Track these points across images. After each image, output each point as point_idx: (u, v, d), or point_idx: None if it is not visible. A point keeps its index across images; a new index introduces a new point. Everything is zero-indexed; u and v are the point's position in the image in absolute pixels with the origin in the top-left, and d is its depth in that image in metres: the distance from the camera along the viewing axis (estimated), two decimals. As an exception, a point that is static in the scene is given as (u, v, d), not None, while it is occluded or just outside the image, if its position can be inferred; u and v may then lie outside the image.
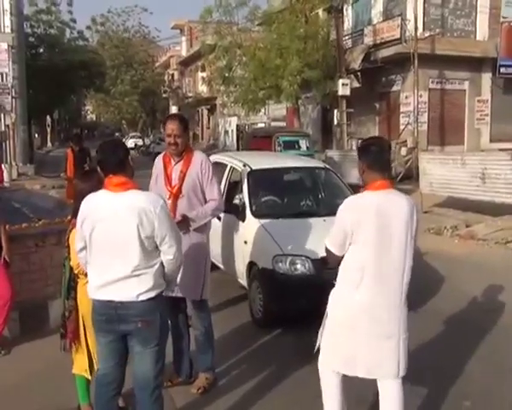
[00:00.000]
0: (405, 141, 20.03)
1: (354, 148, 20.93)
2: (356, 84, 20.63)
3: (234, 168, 7.12)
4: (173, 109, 55.77)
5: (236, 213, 6.41)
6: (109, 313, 3.20)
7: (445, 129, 21.85)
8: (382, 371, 3.25)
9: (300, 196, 7.48)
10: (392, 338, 3.21)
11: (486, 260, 8.61)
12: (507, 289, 7.06)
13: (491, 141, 22.31)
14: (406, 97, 20.89)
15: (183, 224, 4.10)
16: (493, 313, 6.26)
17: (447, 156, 13.74)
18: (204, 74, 35.56)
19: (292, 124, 26.00)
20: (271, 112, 31.42)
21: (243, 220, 6.32)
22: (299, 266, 5.61)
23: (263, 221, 6.12)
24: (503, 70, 21.57)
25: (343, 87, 18.54)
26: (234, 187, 7.15)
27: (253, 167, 6.82)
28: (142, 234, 3.13)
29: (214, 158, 7.44)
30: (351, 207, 3.28)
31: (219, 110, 41.27)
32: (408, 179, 17.00)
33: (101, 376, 3.39)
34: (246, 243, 6.08)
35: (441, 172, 12.85)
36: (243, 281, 6.31)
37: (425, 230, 10.90)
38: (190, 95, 48.62)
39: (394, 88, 22.07)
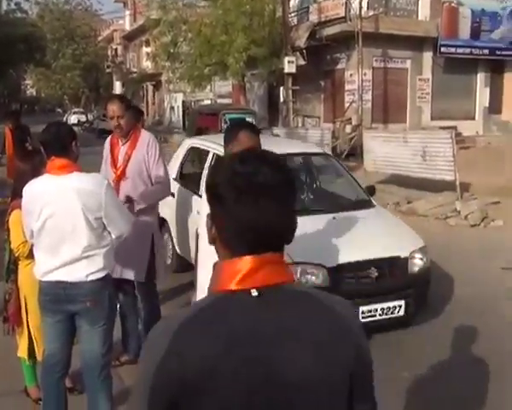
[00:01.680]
0: (350, 119, 20.34)
1: (300, 125, 21.12)
2: (301, 62, 20.69)
3: (218, 156, 5.79)
4: (117, 85, 54.49)
5: None
6: (57, 293, 3.19)
7: (389, 107, 22.27)
8: None
9: (301, 189, 6.35)
10: None
11: (426, 235, 8.89)
12: (444, 264, 7.35)
13: (432, 119, 22.91)
14: (351, 75, 21.16)
15: (127, 205, 4.07)
16: (431, 285, 6.50)
17: (390, 134, 14.08)
18: (149, 49, 34.85)
19: (238, 101, 25.90)
20: (218, 89, 31.19)
21: None
22: (313, 278, 4.73)
23: None
24: (443, 49, 22.10)
25: (289, 64, 18.57)
26: None
27: None
28: (90, 216, 3.12)
29: (192, 143, 7.18)
30: None
31: (165, 86, 40.63)
32: (352, 156, 17.32)
33: (48, 356, 3.38)
34: None
35: (384, 149, 13.14)
36: None
37: (368, 206, 11.22)
38: (135, 70, 47.62)
39: (339, 66, 22.29)
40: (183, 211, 6.11)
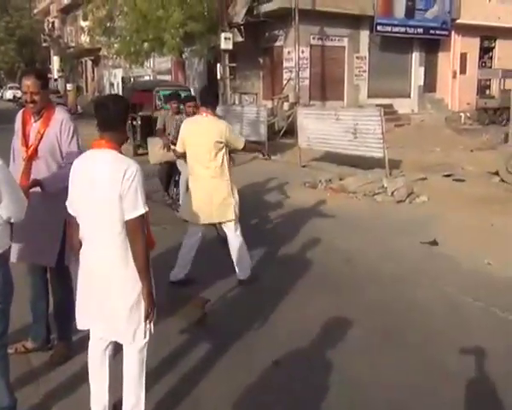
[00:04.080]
0: (287, 96, 20.42)
1: (237, 102, 21.05)
2: (239, 39, 20.58)
3: None
4: (55, 59, 52.74)
5: None
6: None
7: (326, 84, 22.46)
8: None
9: None
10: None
11: (353, 211, 9.10)
12: (368, 239, 7.54)
13: (368, 97, 23.28)
14: (289, 53, 21.21)
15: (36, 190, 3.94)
16: (352, 261, 6.67)
17: (323, 112, 14.22)
18: (86, 23, 33.88)
19: (177, 77, 25.57)
20: (157, 65, 30.69)
21: None
22: None
23: None
24: (379, 28, 22.43)
25: (225, 41, 18.43)
26: None
27: None
28: None
29: None
30: None
31: (104, 62, 39.69)
32: (290, 134, 17.43)
33: None
34: None
35: (317, 127, 13.26)
36: None
37: (301, 183, 11.35)
38: (73, 45, 46.20)
39: (277, 43, 22.29)
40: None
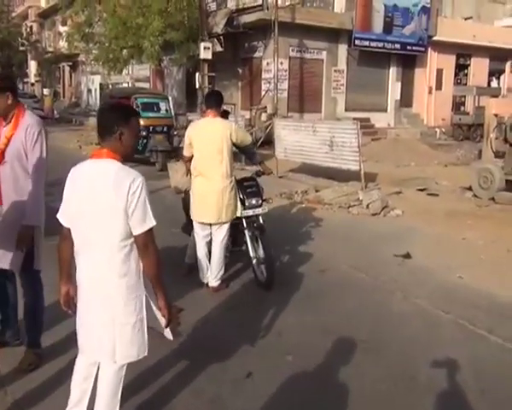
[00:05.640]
0: (265, 107, 20.51)
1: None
2: (219, 49, 20.65)
3: None
4: (32, 64, 52.29)
5: None
6: None
7: (304, 97, 22.64)
8: None
9: None
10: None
11: (327, 223, 9.15)
12: (342, 251, 7.59)
13: (346, 110, 23.53)
14: (267, 64, 21.33)
15: (24, 238, 3.95)
16: (327, 271, 6.70)
17: (300, 123, 14.30)
18: (66, 29, 33.67)
19: (155, 85, 25.53)
20: (136, 72, 30.60)
21: None
22: None
23: None
24: (357, 42, 22.71)
25: (205, 50, 18.46)
26: None
27: None
28: None
29: None
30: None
31: (82, 68, 39.45)
32: (267, 145, 17.46)
33: None
34: None
35: (294, 138, 13.36)
36: None
37: (277, 194, 11.38)
38: (51, 50, 45.83)
39: (256, 54, 22.42)
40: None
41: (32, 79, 53.53)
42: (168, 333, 3.27)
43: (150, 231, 2.91)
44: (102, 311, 2.97)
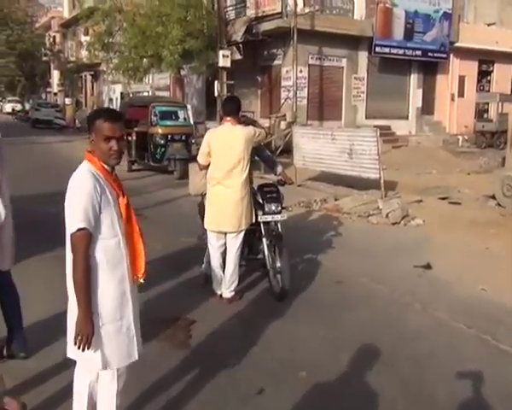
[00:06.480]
0: (285, 115, 20.39)
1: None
2: (238, 57, 20.63)
3: None
4: (55, 74, 53.07)
5: None
6: None
7: (324, 104, 22.47)
8: None
9: None
10: None
11: (347, 232, 8.96)
12: (361, 261, 7.40)
13: (366, 117, 23.30)
14: (287, 72, 21.22)
15: None
16: (345, 282, 6.53)
17: (319, 131, 14.14)
18: (88, 38, 34.05)
19: (175, 94, 25.61)
20: (156, 81, 30.78)
21: None
22: None
23: None
24: (378, 49, 22.49)
25: (224, 59, 18.43)
26: None
27: None
28: None
29: None
30: None
31: (103, 77, 39.77)
32: (287, 153, 17.34)
33: None
34: None
35: (313, 146, 13.20)
36: None
37: (296, 203, 11.23)
38: (73, 59, 46.37)
39: (276, 62, 22.33)
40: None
41: (55, 88, 54.28)
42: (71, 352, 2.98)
43: (77, 233, 2.75)
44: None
